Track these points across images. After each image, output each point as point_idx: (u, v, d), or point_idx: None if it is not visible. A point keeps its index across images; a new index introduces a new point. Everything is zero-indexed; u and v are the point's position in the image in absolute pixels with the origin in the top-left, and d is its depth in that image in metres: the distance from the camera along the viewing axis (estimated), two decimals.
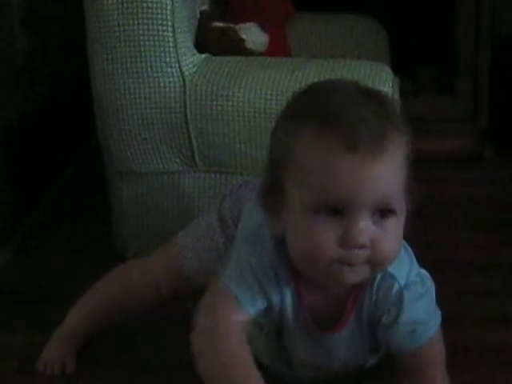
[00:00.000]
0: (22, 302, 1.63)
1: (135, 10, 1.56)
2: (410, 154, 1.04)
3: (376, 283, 1.09)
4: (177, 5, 1.58)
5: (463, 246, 1.85)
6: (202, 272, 1.28)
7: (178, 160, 1.65)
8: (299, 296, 1.11)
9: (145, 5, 1.56)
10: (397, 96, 1.58)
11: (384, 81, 1.56)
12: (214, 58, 1.67)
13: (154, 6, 1.56)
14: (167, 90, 1.60)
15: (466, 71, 2.28)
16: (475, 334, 1.50)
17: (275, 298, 1.11)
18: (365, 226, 0.99)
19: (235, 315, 1.09)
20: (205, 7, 1.82)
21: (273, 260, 1.09)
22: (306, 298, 1.11)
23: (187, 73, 1.60)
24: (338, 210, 0.99)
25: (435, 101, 2.33)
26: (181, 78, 1.60)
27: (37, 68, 2.12)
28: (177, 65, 1.59)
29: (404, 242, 1.10)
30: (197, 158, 1.64)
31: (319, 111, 1.01)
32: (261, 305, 1.10)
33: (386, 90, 1.53)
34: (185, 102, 1.60)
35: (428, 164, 2.21)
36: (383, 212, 1.00)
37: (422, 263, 1.45)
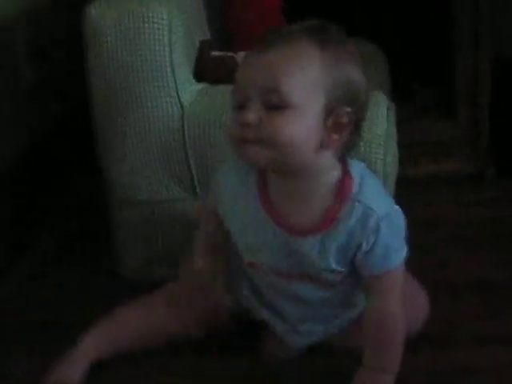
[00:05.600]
0: (33, 328, 1.65)
1: (134, 41, 1.59)
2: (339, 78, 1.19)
3: (354, 212, 1.25)
4: (175, 36, 1.61)
5: (463, 266, 1.86)
6: None
7: (178, 188, 1.67)
8: (262, 196, 1.31)
9: (143, 36, 1.58)
10: (392, 121, 1.60)
11: (378, 106, 1.58)
12: (211, 86, 1.70)
13: (152, 36, 1.58)
14: (166, 119, 1.63)
15: (465, 93, 2.29)
16: (474, 354, 1.51)
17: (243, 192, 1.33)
18: (252, 108, 1.17)
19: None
20: (204, 37, 1.84)
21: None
22: (273, 199, 1.30)
23: (185, 102, 1.63)
24: (241, 105, 1.19)
25: (436, 123, 2.33)
26: (179, 108, 1.63)
27: (42, 97, 2.15)
28: (175, 95, 1.62)
29: (379, 181, 1.38)
30: (196, 185, 1.66)
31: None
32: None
33: (380, 115, 1.56)
34: (183, 131, 1.63)
35: (429, 187, 2.23)
36: (275, 104, 1.16)
37: (424, 283, 1.49)
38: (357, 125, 1.25)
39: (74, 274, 1.87)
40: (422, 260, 1.83)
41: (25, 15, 2.10)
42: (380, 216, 1.25)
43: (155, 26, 1.58)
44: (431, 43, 2.41)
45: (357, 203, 1.26)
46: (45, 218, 2.11)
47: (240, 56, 1.81)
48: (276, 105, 1.17)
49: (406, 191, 1.62)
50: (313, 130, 1.19)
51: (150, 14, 1.58)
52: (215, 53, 1.79)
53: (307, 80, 1.17)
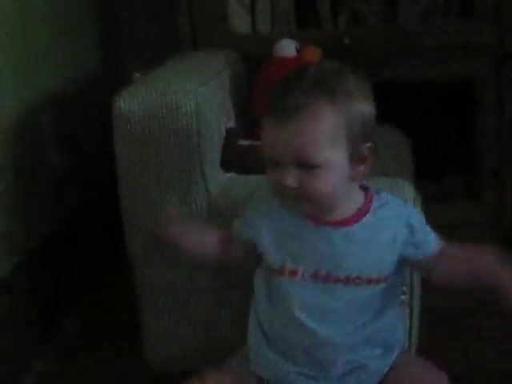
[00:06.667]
0: None
1: (162, 133, 1.61)
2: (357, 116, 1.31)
3: (382, 210, 1.40)
4: (203, 127, 1.63)
5: (487, 353, 1.86)
6: None
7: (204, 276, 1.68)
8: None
9: (171, 128, 1.61)
10: (418, 211, 1.60)
11: (405, 197, 1.59)
12: (239, 176, 1.72)
13: (181, 128, 1.61)
14: (194, 209, 1.65)
15: (489, 175, 2.29)
16: None
17: None
18: (289, 173, 1.31)
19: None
20: (230, 125, 1.86)
21: None
22: None
23: (213, 192, 1.66)
24: (276, 163, 1.32)
25: (460, 206, 2.34)
26: (207, 198, 1.65)
27: (69, 183, 2.18)
28: (203, 185, 1.64)
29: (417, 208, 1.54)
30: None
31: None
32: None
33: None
34: (211, 220, 1.64)
35: None
36: (307, 165, 1.30)
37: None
38: (375, 150, 1.37)
39: (101, 364, 1.88)
40: (445, 349, 1.83)
41: (52, 100, 2.14)
42: (406, 205, 1.45)
43: (183, 117, 1.61)
44: (455, 125, 2.42)
45: (384, 205, 1.41)
46: (70, 306, 2.12)
47: None
48: (309, 166, 1.30)
49: None
50: (344, 174, 1.34)
51: (179, 107, 1.60)
52: (242, 141, 1.80)
53: (330, 137, 1.30)
